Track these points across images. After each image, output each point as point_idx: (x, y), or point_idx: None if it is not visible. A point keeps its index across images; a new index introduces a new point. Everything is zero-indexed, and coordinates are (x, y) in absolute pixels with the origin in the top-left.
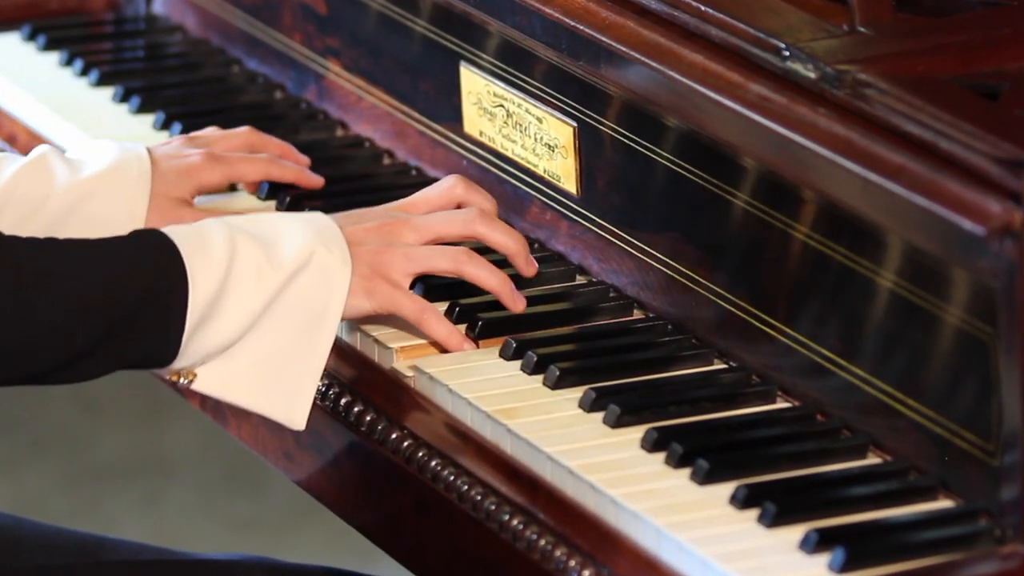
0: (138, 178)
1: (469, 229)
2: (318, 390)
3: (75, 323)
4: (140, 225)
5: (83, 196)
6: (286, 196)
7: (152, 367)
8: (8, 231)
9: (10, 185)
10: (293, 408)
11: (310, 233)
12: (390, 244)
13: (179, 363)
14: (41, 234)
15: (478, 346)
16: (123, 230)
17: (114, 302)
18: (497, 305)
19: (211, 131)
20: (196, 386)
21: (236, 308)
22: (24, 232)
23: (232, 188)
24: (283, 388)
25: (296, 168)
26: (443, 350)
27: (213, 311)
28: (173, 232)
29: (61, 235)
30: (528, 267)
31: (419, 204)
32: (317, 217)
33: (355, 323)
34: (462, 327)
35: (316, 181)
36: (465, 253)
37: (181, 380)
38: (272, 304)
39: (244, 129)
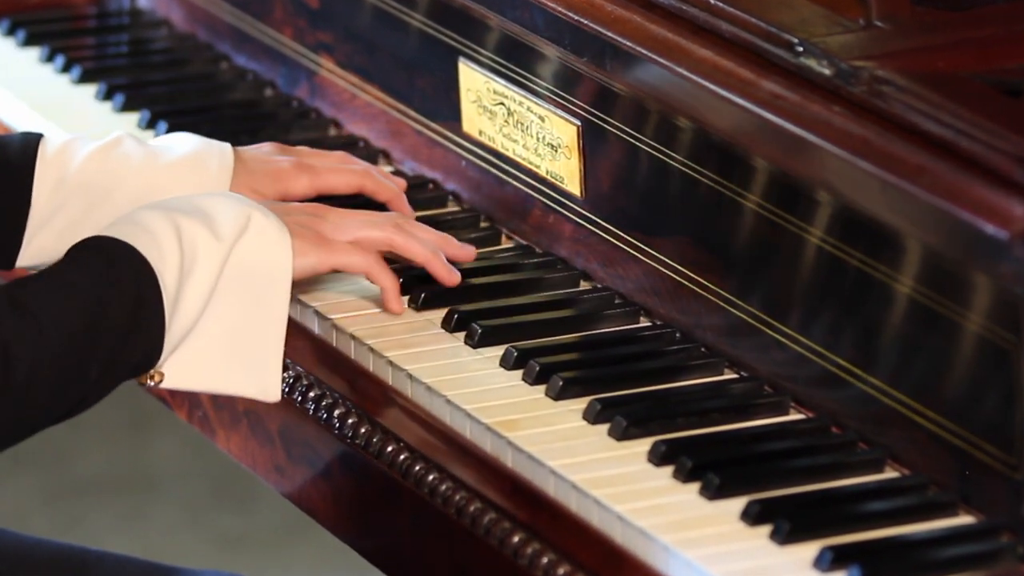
0: (218, 171)
1: (386, 228)
2: (309, 400)
3: (89, 360)
4: None
5: (159, 185)
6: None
7: (141, 373)
8: (80, 216)
9: (82, 167)
10: (263, 380)
11: (239, 203)
12: (318, 217)
13: (159, 362)
14: (113, 221)
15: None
16: None
17: (114, 326)
18: (498, 312)
19: (307, 148)
20: (166, 384)
21: (195, 290)
22: (95, 219)
23: None
24: (248, 362)
25: (393, 188)
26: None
27: (178, 300)
28: (121, 232)
29: None
30: (462, 251)
31: (334, 208)
32: (235, 194)
33: (346, 331)
34: (461, 334)
35: (408, 209)
36: (392, 224)
37: (149, 382)
38: (221, 276)
39: (339, 153)
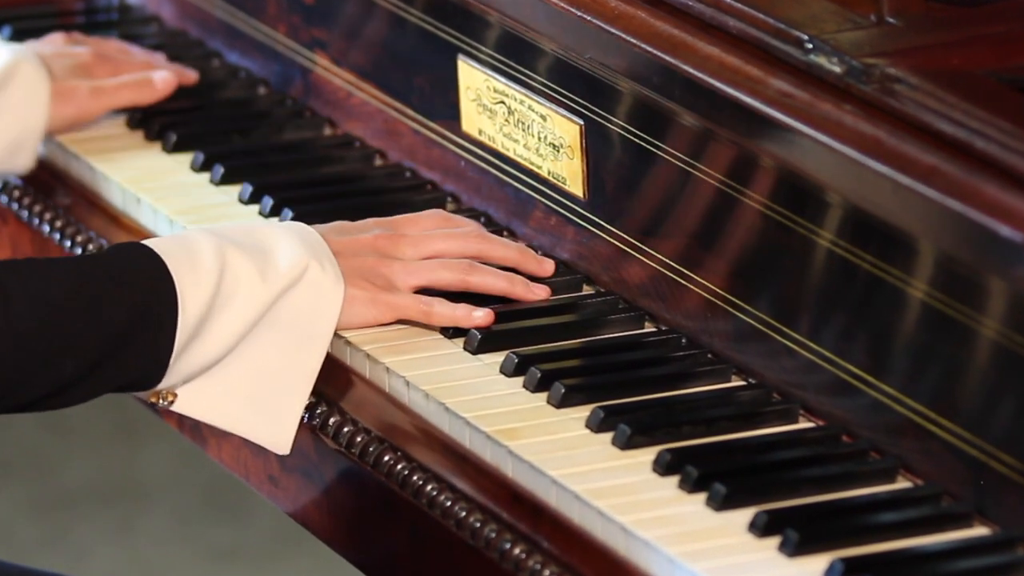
0: (35, 74)
1: (470, 245)
2: (304, 407)
3: (65, 351)
4: (43, 115)
5: None
6: (270, 201)
7: (138, 390)
8: None
9: None
10: (279, 431)
11: (302, 246)
12: (387, 256)
13: (163, 384)
14: None
15: (492, 324)
16: (32, 121)
17: (104, 327)
18: (498, 317)
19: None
20: (177, 407)
21: (225, 326)
22: None
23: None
24: (268, 409)
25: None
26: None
27: (201, 330)
28: (160, 246)
29: None
30: (540, 266)
31: (407, 222)
32: (304, 229)
33: (342, 336)
34: (459, 340)
35: (190, 76)
36: (467, 263)
37: (160, 402)
38: (261, 321)
39: (113, 43)
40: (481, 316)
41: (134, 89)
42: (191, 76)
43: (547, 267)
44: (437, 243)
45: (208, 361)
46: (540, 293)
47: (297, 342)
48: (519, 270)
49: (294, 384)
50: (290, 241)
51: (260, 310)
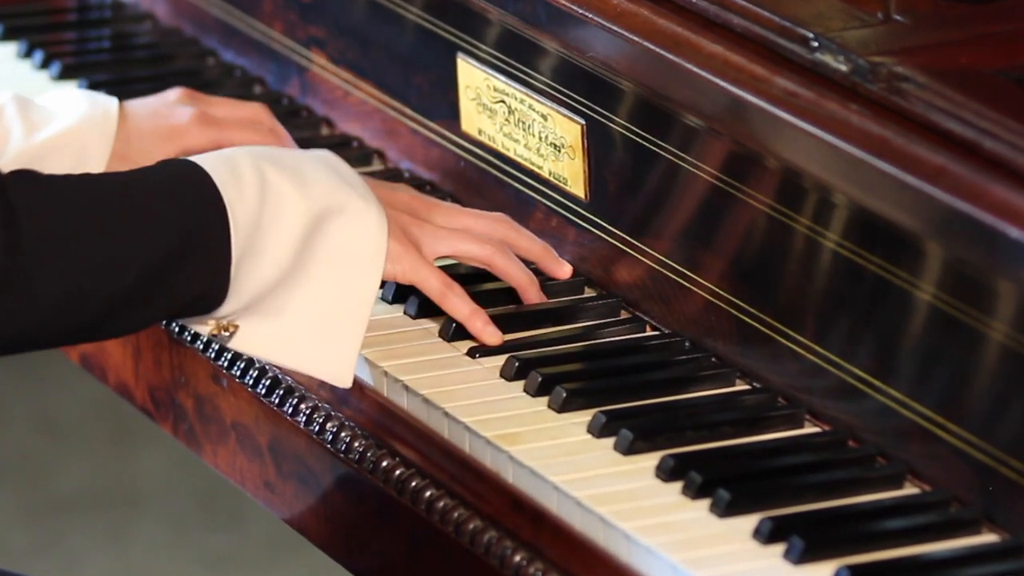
0: (99, 142)
1: (498, 226)
2: (300, 413)
3: (122, 266)
4: None
5: (35, 159)
6: None
7: (201, 312)
8: None
9: None
10: (341, 363)
11: (335, 176)
12: (420, 217)
13: (225, 308)
14: None
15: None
16: None
17: (159, 242)
18: (499, 320)
19: (218, 98)
20: (235, 342)
21: (275, 240)
22: None
23: None
24: (328, 345)
25: (287, 138)
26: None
27: (254, 244)
28: (202, 161)
29: None
30: (560, 267)
31: (443, 203)
32: (337, 161)
33: None
34: (459, 344)
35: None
36: (498, 244)
37: (222, 333)
38: (309, 246)
39: (257, 104)
40: (493, 331)
41: None
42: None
43: (565, 270)
44: (467, 218)
45: (266, 280)
46: (542, 298)
47: (349, 272)
48: (539, 266)
49: (352, 314)
50: (323, 169)
51: (305, 224)
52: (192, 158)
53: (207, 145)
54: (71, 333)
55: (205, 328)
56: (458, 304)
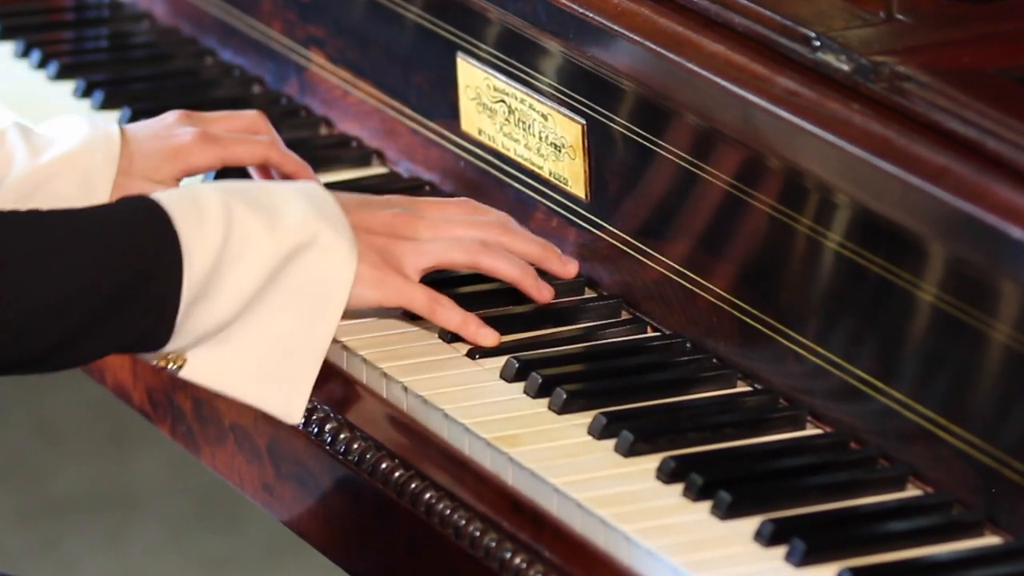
0: (103, 162)
1: (491, 232)
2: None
3: (64, 305)
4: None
5: (41, 181)
6: None
7: (143, 351)
8: None
9: None
10: (291, 399)
11: (311, 209)
12: (401, 236)
13: (171, 345)
14: None
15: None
16: None
17: (106, 281)
18: (498, 321)
19: (215, 114)
20: (184, 373)
21: (233, 284)
22: None
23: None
24: (280, 378)
25: (298, 161)
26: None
27: (209, 287)
28: (164, 199)
29: None
30: (563, 266)
31: (431, 204)
32: (317, 192)
33: (339, 340)
34: (458, 345)
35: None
36: (480, 244)
37: (169, 366)
38: (272, 282)
39: (252, 112)
40: (487, 333)
41: None
42: (305, 173)
43: (571, 268)
44: (456, 229)
45: (218, 321)
46: (546, 294)
47: (310, 309)
48: (541, 267)
49: (307, 353)
50: (299, 201)
51: (270, 267)
52: (158, 196)
53: (212, 163)
54: (13, 367)
55: (152, 360)
56: (448, 315)
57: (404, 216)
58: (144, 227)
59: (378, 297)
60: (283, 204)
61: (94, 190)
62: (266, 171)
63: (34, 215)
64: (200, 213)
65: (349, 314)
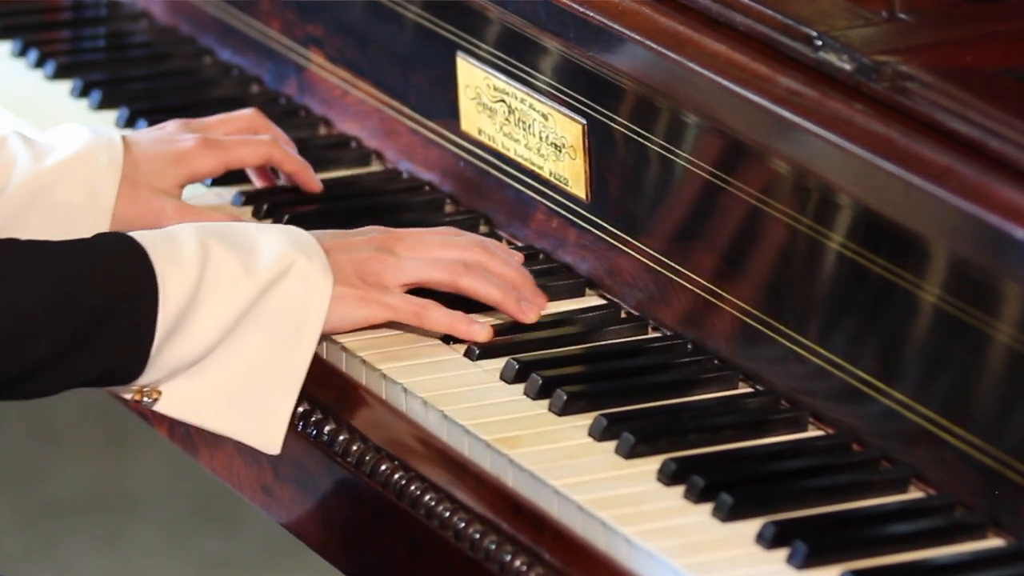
0: (107, 167)
1: (469, 253)
2: (298, 416)
3: (36, 332)
4: (106, 217)
5: (45, 186)
6: (264, 203)
7: (115, 383)
8: None
9: None
10: (268, 430)
11: (288, 243)
12: (380, 254)
13: (144, 379)
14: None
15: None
16: (88, 223)
17: (78, 311)
18: (502, 322)
19: (212, 118)
20: (160, 407)
21: (208, 319)
22: None
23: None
24: (257, 408)
25: (299, 160)
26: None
27: (184, 322)
28: (142, 236)
29: (21, 227)
30: (534, 297)
31: (409, 232)
32: (293, 229)
33: (338, 341)
34: (458, 346)
35: (315, 184)
36: (461, 264)
37: (144, 400)
38: (247, 314)
39: (248, 111)
40: (479, 328)
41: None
42: (314, 185)
43: (531, 316)
44: (434, 249)
45: (191, 356)
46: (531, 315)
47: (285, 337)
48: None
49: (283, 381)
50: (275, 238)
51: (244, 304)
52: (134, 233)
53: (215, 168)
54: None
55: (127, 395)
56: (436, 318)
57: (381, 237)
58: (121, 261)
59: (363, 314)
60: (259, 242)
61: (98, 195)
62: (265, 172)
63: (11, 243)
64: (177, 249)
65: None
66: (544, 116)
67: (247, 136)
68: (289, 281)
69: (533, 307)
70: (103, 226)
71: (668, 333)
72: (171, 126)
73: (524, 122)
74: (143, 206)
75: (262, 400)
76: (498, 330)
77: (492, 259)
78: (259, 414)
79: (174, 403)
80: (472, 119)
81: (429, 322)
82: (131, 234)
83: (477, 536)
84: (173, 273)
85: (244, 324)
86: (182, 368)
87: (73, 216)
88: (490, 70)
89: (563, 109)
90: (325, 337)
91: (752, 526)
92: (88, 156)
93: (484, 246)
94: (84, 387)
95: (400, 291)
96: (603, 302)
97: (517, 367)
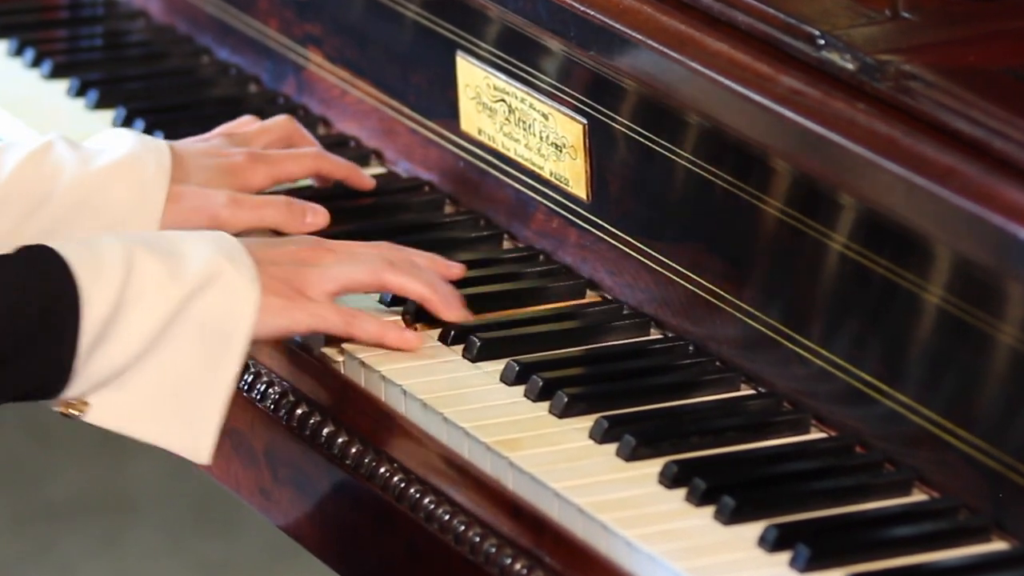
0: (156, 170)
1: (392, 252)
2: (297, 418)
3: None
4: (156, 220)
5: (94, 189)
6: None
7: (41, 398)
8: (12, 226)
9: (14, 177)
10: (197, 439)
11: (216, 249)
12: (306, 265)
13: (71, 392)
14: (48, 229)
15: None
16: (137, 225)
17: (1, 326)
18: (498, 324)
19: (247, 120)
20: (89, 418)
21: (133, 328)
22: (30, 228)
23: None
24: (185, 417)
25: (345, 164)
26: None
27: (108, 332)
28: (63, 247)
29: (71, 230)
30: (447, 269)
31: (342, 244)
32: (222, 236)
33: (338, 342)
34: (458, 348)
35: (367, 181)
36: (383, 261)
37: (72, 412)
38: (172, 323)
39: (282, 119)
40: (408, 338)
41: (280, 211)
42: (366, 183)
43: (457, 271)
44: (357, 248)
45: (117, 365)
46: (455, 313)
47: (212, 346)
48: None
49: (211, 390)
50: (202, 245)
51: (170, 311)
52: (56, 245)
53: (265, 183)
54: None
55: (55, 407)
56: (365, 327)
57: (308, 247)
58: (42, 275)
59: (287, 324)
60: (186, 248)
61: (148, 198)
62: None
63: None
64: (99, 260)
65: None
66: (544, 116)
67: (293, 151)
68: (215, 290)
69: (457, 304)
70: (152, 229)
71: (669, 335)
72: (216, 139)
73: (524, 122)
74: (197, 200)
75: (190, 410)
76: (499, 323)
77: (407, 253)
78: (188, 424)
79: (102, 414)
80: (472, 119)
81: (358, 331)
82: (53, 245)
83: (477, 539)
84: (95, 283)
85: (170, 332)
86: (110, 379)
87: (122, 218)
88: (490, 69)
89: (564, 109)
90: (264, 343)
91: (754, 529)
92: (137, 158)
93: (394, 245)
94: (10, 403)
95: (328, 300)
96: (603, 303)
97: (517, 369)
